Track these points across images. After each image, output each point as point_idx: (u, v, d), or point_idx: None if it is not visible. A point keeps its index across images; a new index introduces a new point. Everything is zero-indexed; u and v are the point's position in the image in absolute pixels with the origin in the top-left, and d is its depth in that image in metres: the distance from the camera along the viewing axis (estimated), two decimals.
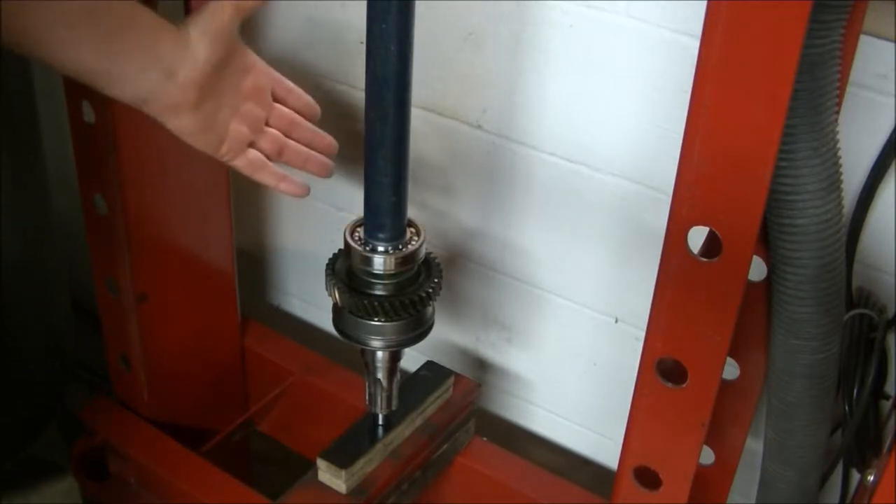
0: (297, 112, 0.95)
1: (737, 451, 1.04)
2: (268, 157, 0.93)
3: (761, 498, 1.03)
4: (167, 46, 0.80)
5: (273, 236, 1.50)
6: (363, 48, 0.85)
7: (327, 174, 0.99)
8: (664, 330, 0.85)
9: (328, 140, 0.98)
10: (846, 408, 1.01)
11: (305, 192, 0.97)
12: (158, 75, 0.80)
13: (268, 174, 0.94)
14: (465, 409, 1.20)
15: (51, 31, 0.73)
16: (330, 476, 1.06)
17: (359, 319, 0.98)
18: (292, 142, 0.95)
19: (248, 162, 0.92)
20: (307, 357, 1.35)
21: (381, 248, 0.95)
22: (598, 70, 1.06)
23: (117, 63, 0.78)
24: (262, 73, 0.91)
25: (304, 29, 1.27)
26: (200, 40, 0.82)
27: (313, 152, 0.97)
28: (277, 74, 0.93)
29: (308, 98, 0.96)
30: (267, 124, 0.93)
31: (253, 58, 0.90)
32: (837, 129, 0.81)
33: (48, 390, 1.38)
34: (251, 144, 0.91)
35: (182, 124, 0.85)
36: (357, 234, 0.97)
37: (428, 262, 1.00)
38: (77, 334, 1.44)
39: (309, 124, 0.96)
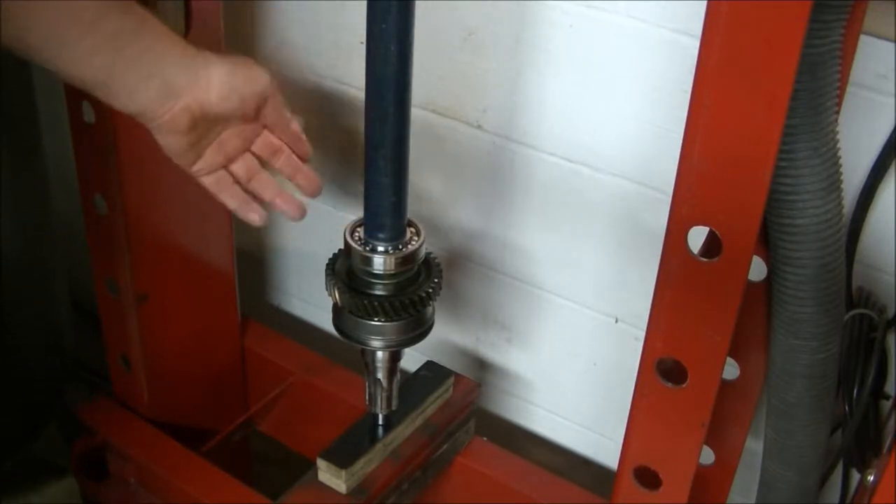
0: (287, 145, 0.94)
1: (737, 451, 1.03)
2: (237, 181, 0.92)
3: (761, 498, 1.03)
4: (173, 63, 0.79)
5: (273, 236, 1.50)
6: (363, 48, 0.85)
7: (297, 216, 0.97)
8: (664, 330, 0.85)
9: (311, 180, 0.96)
10: (846, 408, 1.01)
11: (264, 221, 0.95)
12: (157, 91, 0.79)
13: (230, 196, 0.93)
14: (465, 409, 1.20)
15: (50, 40, 0.73)
16: (330, 476, 1.06)
17: (359, 319, 0.98)
18: (266, 174, 0.93)
19: (215, 181, 0.91)
20: (307, 357, 1.35)
21: (381, 248, 0.95)
22: (598, 70, 1.06)
23: (116, 74, 0.77)
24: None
25: (304, 29, 1.27)
26: (222, 86, 0.82)
27: (284, 191, 0.95)
28: (280, 104, 0.91)
29: (300, 136, 0.94)
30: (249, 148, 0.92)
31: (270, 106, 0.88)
32: (837, 129, 0.81)
33: (48, 388, 1.38)
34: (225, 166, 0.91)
35: (167, 142, 0.85)
36: (357, 234, 0.97)
37: (428, 262, 1.00)
38: (77, 334, 1.44)
39: (295, 158, 0.95)
